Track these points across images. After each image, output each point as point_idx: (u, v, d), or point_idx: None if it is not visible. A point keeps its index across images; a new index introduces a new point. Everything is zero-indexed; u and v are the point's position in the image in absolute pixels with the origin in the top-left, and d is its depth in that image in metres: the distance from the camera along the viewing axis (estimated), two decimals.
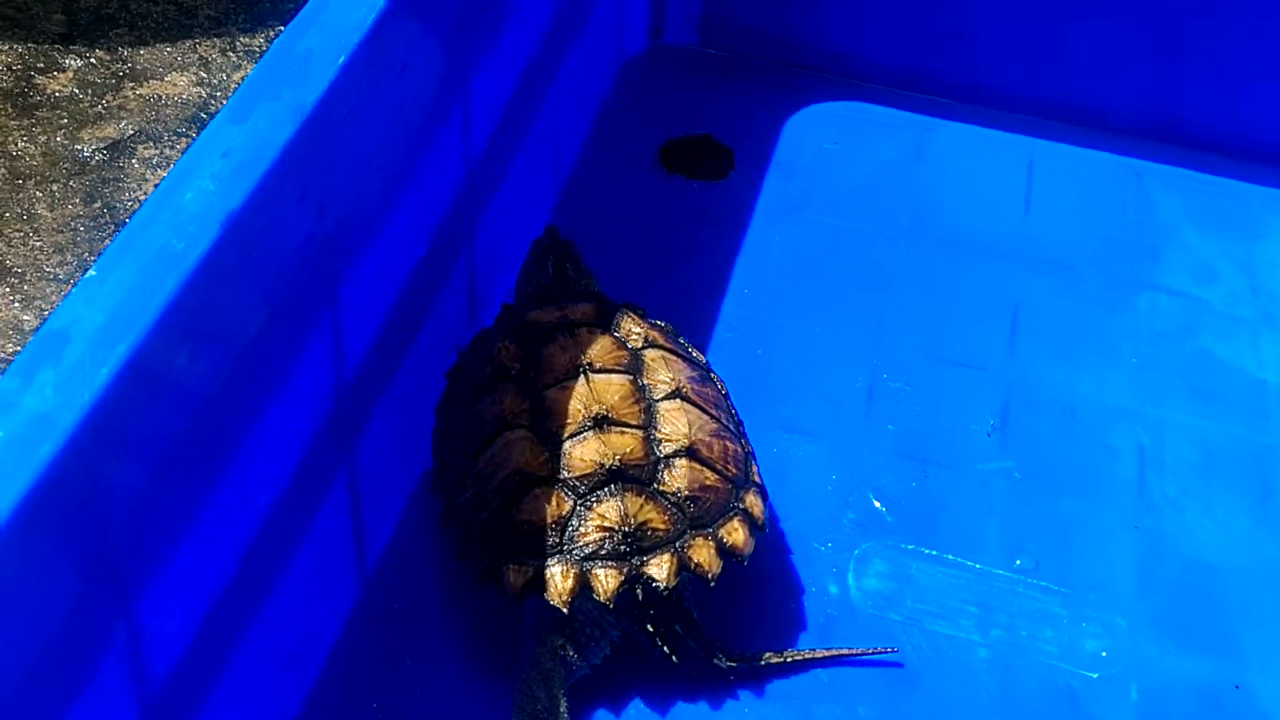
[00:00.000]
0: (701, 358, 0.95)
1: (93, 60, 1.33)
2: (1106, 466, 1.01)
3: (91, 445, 0.52)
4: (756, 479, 0.88)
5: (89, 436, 0.51)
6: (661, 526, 0.82)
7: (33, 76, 1.30)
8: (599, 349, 0.87)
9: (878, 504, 0.98)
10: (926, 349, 1.09)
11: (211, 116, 1.27)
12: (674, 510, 0.82)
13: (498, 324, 0.93)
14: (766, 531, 0.88)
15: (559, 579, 0.80)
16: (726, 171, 1.23)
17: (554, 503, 0.81)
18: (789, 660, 0.86)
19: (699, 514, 0.83)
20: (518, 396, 0.85)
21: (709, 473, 0.84)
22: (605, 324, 0.90)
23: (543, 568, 0.80)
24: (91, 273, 0.56)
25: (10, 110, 1.26)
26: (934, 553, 0.95)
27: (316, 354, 0.74)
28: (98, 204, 1.18)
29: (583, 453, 0.82)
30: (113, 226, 1.16)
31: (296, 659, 0.80)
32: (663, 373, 0.87)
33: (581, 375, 0.85)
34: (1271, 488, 1.00)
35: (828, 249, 1.17)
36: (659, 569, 0.81)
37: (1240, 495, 1.00)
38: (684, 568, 0.82)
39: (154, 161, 1.22)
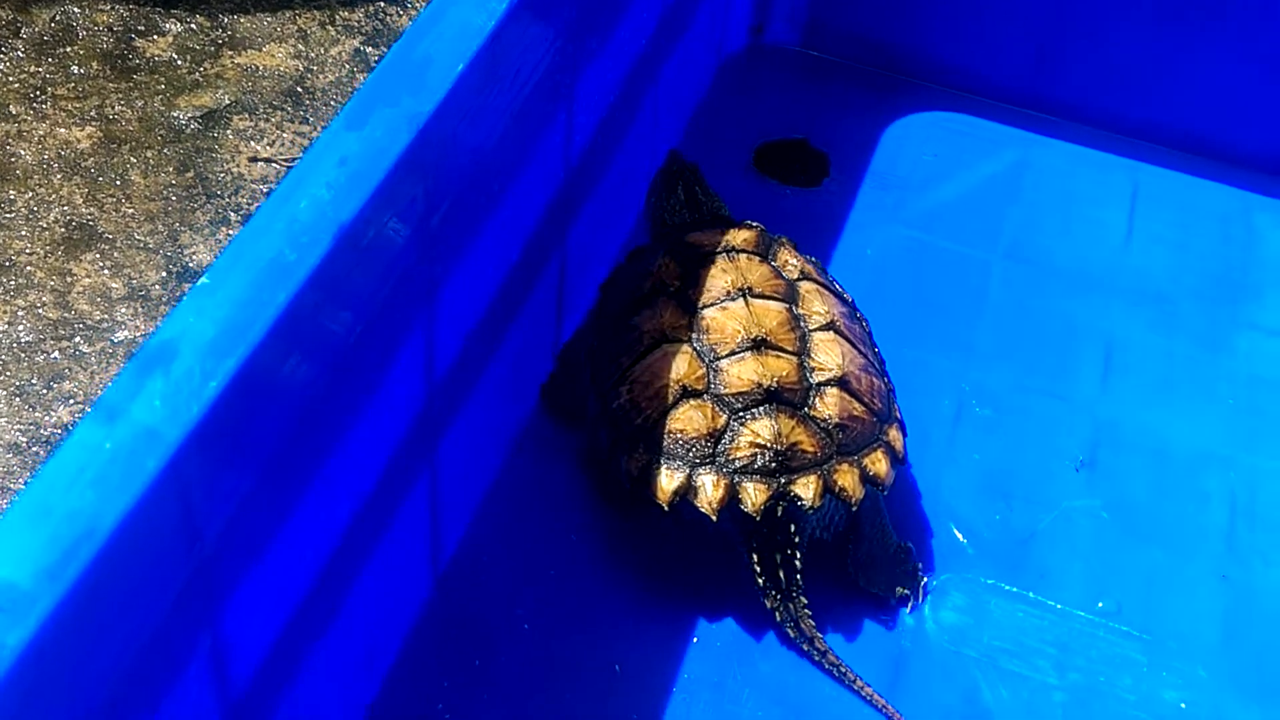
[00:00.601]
0: (849, 296, 0.98)
1: (193, 25, 1.33)
2: (1196, 513, 0.99)
3: (195, 459, 0.52)
4: (898, 415, 0.91)
5: (194, 451, 0.51)
6: (810, 449, 0.85)
7: (132, 39, 1.30)
8: (758, 275, 0.91)
9: (959, 535, 0.96)
10: (1016, 377, 1.06)
11: (307, 90, 1.27)
12: (823, 435, 0.86)
13: (655, 241, 0.97)
14: (906, 464, 0.91)
15: (710, 488, 0.83)
16: (821, 179, 1.21)
17: (709, 416, 0.84)
18: (843, 674, 0.85)
19: (846, 441, 0.86)
20: (678, 311, 0.89)
21: (857, 404, 0.88)
22: (764, 252, 0.94)
23: (695, 475, 0.84)
24: (204, 280, 0.56)
25: (109, 72, 1.27)
26: (1014, 589, 0.93)
27: (410, 358, 0.73)
28: (190, 173, 1.18)
29: (740, 371, 0.85)
30: (204, 197, 1.16)
31: (370, 659, 0.80)
32: (818, 304, 0.91)
33: (741, 298, 0.89)
34: None
35: (921, 265, 1.14)
36: (805, 489, 0.84)
37: None
38: (829, 490, 0.85)
39: (248, 133, 1.22)
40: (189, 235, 1.13)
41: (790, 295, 0.91)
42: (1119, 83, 1.25)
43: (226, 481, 0.56)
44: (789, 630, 0.85)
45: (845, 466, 0.86)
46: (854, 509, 0.86)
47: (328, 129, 0.63)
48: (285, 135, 1.23)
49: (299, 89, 1.28)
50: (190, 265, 1.11)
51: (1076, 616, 0.92)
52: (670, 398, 0.86)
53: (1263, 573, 0.95)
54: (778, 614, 0.85)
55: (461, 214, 0.73)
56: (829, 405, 0.86)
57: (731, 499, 0.83)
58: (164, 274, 1.10)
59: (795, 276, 0.94)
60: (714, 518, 0.83)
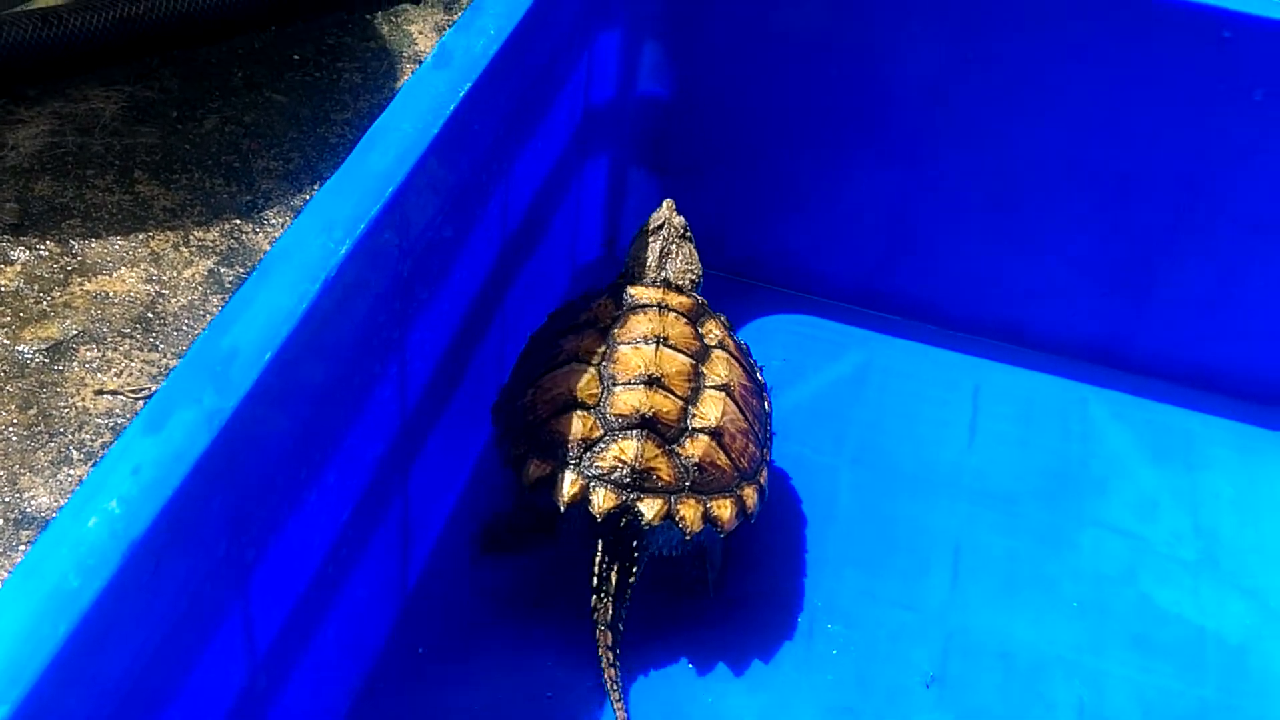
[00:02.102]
0: (763, 380, 1.08)
1: (42, 252, 1.32)
2: None
3: None
4: (762, 481, 1.01)
5: None
6: (666, 478, 0.95)
7: None
8: (678, 331, 1.03)
9: None
10: (867, 587, 1.08)
11: (158, 316, 1.27)
12: (681, 470, 0.96)
13: (609, 288, 1.08)
14: (753, 522, 1.00)
15: (567, 483, 0.94)
16: None
17: (588, 426, 0.96)
18: (612, 689, 0.94)
19: (701, 483, 0.96)
20: (598, 340, 1.01)
21: (723, 456, 0.97)
22: (693, 317, 1.06)
23: (559, 470, 0.95)
24: None
25: None
26: None
27: (216, 664, 0.72)
28: (33, 410, 1.16)
29: (628, 398, 0.97)
30: (46, 435, 1.14)
31: (357, 645, 0.94)
32: (721, 368, 1.02)
33: (655, 344, 1.00)
34: None
35: (771, 472, 1.16)
36: (649, 508, 0.94)
37: None
38: (669, 516, 0.94)
39: (94, 365, 1.21)
40: (29, 478, 1.11)
41: (700, 355, 1.02)
42: (958, 282, 1.30)
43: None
44: (596, 632, 0.94)
45: (692, 501, 0.95)
46: (688, 540, 0.96)
47: (125, 432, 0.63)
48: (134, 365, 1.22)
49: (150, 314, 1.27)
50: (29, 510, 1.08)
51: None
52: (563, 405, 0.97)
53: None
54: (595, 613, 0.94)
55: (275, 497, 0.73)
56: (696, 448, 0.96)
57: (583, 498, 0.94)
58: (1, 522, 1.07)
59: (712, 344, 1.04)
60: (561, 509, 0.94)
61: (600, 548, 0.94)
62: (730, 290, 1.33)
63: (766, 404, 1.07)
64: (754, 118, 1.27)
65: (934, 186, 1.25)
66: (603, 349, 1.01)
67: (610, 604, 0.94)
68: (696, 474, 0.96)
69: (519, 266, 1.13)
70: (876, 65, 1.21)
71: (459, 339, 1.00)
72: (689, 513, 0.95)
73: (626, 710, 0.94)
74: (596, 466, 0.94)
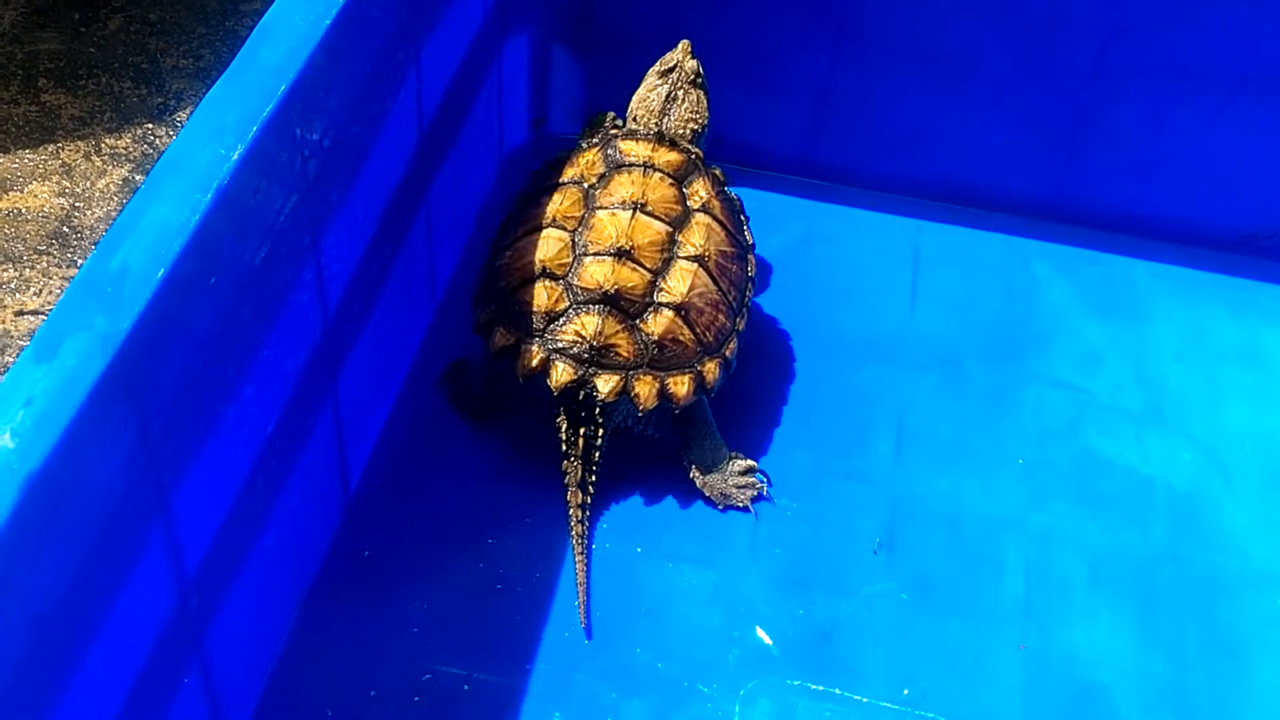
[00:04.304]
0: (750, 239, 1.06)
1: None
2: (992, 583, 1.00)
3: None
4: (728, 354, 1.01)
5: None
6: (624, 354, 0.97)
7: None
8: (659, 195, 1.01)
9: (764, 636, 0.96)
10: (814, 463, 1.07)
11: (75, 230, 1.23)
12: (640, 347, 0.97)
13: (603, 133, 1.06)
14: (713, 396, 1.01)
15: (529, 356, 0.97)
16: None
17: (554, 298, 0.97)
18: (577, 544, 0.97)
19: (660, 359, 0.98)
20: (578, 204, 1.01)
21: (686, 331, 0.98)
22: (679, 177, 1.03)
23: (522, 341, 0.97)
24: None
25: None
26: (820, 688, 0.93)
27: (139, 595, 0.70)
28: None
29: (595, 271, 0.97)
30: None
31: (297, 556, 0.93)
32: (698, 236, 1.00)
33: (632, 210, 0.99)
34: (1155, 597, 1.00)
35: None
36: (604, 384, 0.96)
37: (1126, 607, 0.99)
38: (625, 392, 0.96)
39: (12, 285, 1.17)
40: None
41: (679, 221, 1.01)
42: (890, 143, 1.27)
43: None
44: (567, 494, 0.97)
45: (649, 378, 0.97)
46: (642, 413, 0.98)
47: (15, 364, 0.60)
48: (53, 283, 1.18)
49: (65, 229, 1.23)
50: None
51: (883, 709, 0.93)
52: (533, 274, 0.98)
53: (1061, 638, 0.97)
54: (566, 476, 0.97)
55: (187, 417, 0.70)
56: (657, 324, 0.97)
57: (542, 371, 0.96)
58: None
59: (695, 206, 1.02)
60: (520, 380, 0.97)
61: (564, 415, 0.97)
62: None
63: (750, 268, 1.05)
64: None
65: (859, 44, 1.21)
66: (580, 213, 1.00)
67: (579, 465, 0.97)
68: (655, 350, 0.97)
69: (441, 157, 1.09)
70: None
71: (379, 238, 0.97)
72: (644, 389, 0.97)
73: (588, 592, 0.96)
74: (558, 340, 0.96)
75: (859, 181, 1.28)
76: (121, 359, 0.62)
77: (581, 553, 0.97)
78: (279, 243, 0.78)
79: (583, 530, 0.97)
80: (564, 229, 1.00)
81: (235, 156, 0.71)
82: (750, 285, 1.05)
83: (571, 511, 0.97)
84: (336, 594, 0.95)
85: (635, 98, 1.10)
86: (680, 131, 1.08)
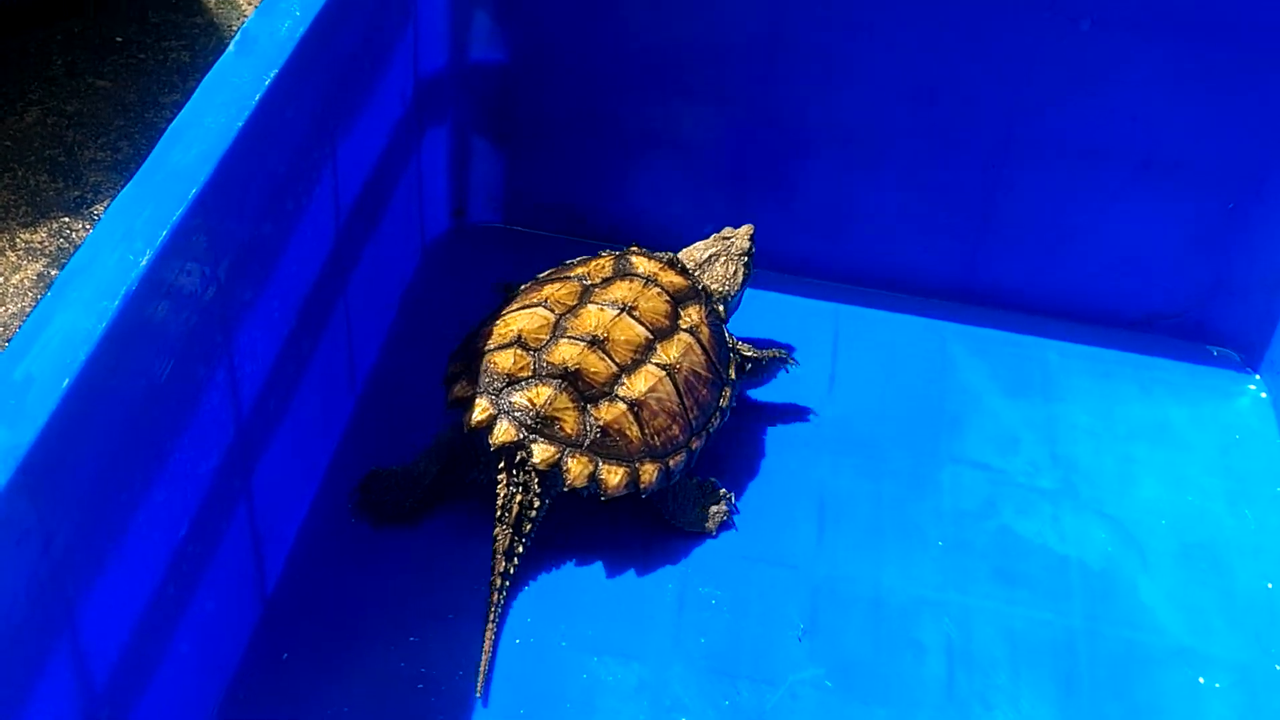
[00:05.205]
0: (732, 375, 1.10)
1: None
2: (914, 666, 1.01)
3: None
4: (672, 464, 1.03)
5: None
6: (568, 430, 0.99)
7: None
8: (651, 306, 1.06)
9: None
10: (737, 548, 1.08)
11: None
12: (585, 428, 1.00)
13: (623, 251, 1.13)
14: (644, 498, 1.03)
15: (478, 410, 1.00)
16: None
17: (519, 365, 1.01)
18: (490, 615, 0.97)
19: (601, 445, 1.00)
20: (573, 294, 1.07)
21: (635, 428, 1.01)
22: (677, 299, 1.08)
23: (477, 396, 1.01)
24: None
25: None
26: None
27: None
28: None
29: (565, 351, 1.01)
30: None
31: (212, 661, 0.92)
32: (675, 350, 1.05)
33: (619, 310, 1.04)
34: (1075, 675, 1.01)
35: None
36: (540, 451, 0.99)
37: (1046, 687, 1.00)
38: (556, 465, 0.98)
39: None
40: None
41: (662, 333, 1.05)
42: (808, 226, 1.30)
43: None
44: (493, 558, 0.98)
45: (584, 458, 0.99)
46: (565, 489, 1.00)
47: None
48: None
49: None
50: None
51: None
52: (509, 340, 1.03)
53: (982, 718, 0.98)
54: (495, 541, 0.98)
55: (95, 526, 0.69)
56: (607, 412, 1.00)
57: (487, 426, 0.99)
58: None
59: (684, 326, 1.07)
60: (465, 431, 1.00)
61: (505, 480, 0.99)
62: (586, 252, 1.31)
63: (723, 400, 1.08)
64: (593, 76, 1.25)
65: (773, 129, 1.24)
66: (574, 303, 1.05)
67: (510, 533, 0.98)
68: (599, 435, 1.00)
69: (360, 249, 1.09)
70: (713, 12, 1.19)
71: (296, 333, 0.97)
72: (576, 467, 0.99)
73: (491, 662, 0.96)
74: (510, 402, 1.00)
75: (779, 265, 1.30)
76: (24, 472, 0.61)
77: (493, 621, 0.97)
78: (190, 343, 0.78)
79: (499, 599, 0.98)
80: (552, 311, 1.05)
81: (144, 262, 0.70)
82: (718, 415, 1.07)
83: (492, 579, 0.98)
84: (254, 700, 0.93)
85: (687, 248, 1.17)
86: (712, 290, 1.14)
